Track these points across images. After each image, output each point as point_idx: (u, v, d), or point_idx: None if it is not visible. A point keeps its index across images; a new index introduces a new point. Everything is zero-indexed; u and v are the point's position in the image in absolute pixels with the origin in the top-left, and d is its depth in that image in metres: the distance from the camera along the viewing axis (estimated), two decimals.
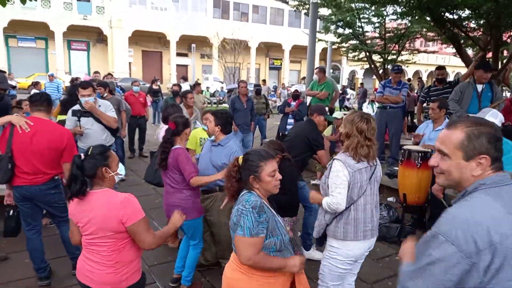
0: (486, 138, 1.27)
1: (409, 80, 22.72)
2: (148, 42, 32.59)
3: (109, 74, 12.02)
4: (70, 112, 4.49)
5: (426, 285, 1.21)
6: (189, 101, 6.14)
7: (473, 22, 8.75)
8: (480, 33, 8.91)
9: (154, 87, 13.00)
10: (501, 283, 1.15)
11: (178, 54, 32.80)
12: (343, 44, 13.73)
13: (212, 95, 24.59)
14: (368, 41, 13.22)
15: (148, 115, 9.15)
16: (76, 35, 29.63)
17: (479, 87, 5.18)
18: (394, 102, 6.58)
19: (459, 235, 1.15)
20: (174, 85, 9.94)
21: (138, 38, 30.95)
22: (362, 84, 25.08)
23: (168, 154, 3.21)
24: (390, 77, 6.91)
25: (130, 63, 31.23)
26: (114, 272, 2.13)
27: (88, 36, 30.50)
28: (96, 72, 11.42)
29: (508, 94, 9.73)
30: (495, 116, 3.46)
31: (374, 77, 14.06)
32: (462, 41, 8.86)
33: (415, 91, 14.83)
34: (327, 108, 6.79)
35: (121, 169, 2.28)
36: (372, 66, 12.26)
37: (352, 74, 41.54)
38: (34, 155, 3.20)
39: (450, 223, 1.20)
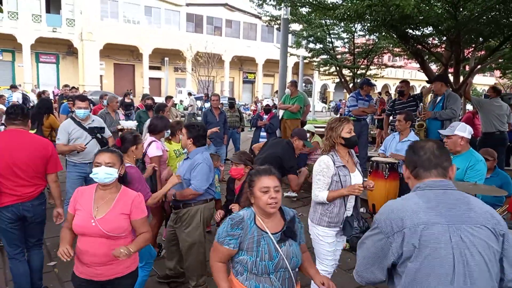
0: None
1: (379, 93, 23.40)
2: (120, 55, 32.14)
3: (73, 88, 11.87)
4: (66, 125, 4.41)
5: (362, 254, 1.66)
6: (166, 114, 6.21)
7: (435, 39, 9.18)
8: (443, 49, 9.35)
9: (127, 100, 12.77)
10: (411, 271, 1.48)
11: (151, 67, 32.50)
12: (314, 59, 14.07)
13: (186, 108, 24.41)
14: (338, 56, 13.61)
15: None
16: (45, 48, 28.84)
17: (438, 99, 5.49)
18: (371, 113, 6.89)
19: (382, 219, 1.59)
20: (147, 98, 9.79)
21: (109, 51, 30.49)
22: None
23: None
24: (357, 90, 7.16)
25: (101, 76, 30.65)
26: None
27: (57, 49, 29.75)
28: (66, 86, 11.18)
29: (471, 108, 10.21)
30: (463, 130, 3.56)
31: (345, 90, 14.38)
32: (426, 57, 9.25)
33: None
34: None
35: None
36: (343, 80, 12.59)
37: (324, 87, 42.39)
38: (19, 169, 3.03)
39: (381, 211, 1.63)
